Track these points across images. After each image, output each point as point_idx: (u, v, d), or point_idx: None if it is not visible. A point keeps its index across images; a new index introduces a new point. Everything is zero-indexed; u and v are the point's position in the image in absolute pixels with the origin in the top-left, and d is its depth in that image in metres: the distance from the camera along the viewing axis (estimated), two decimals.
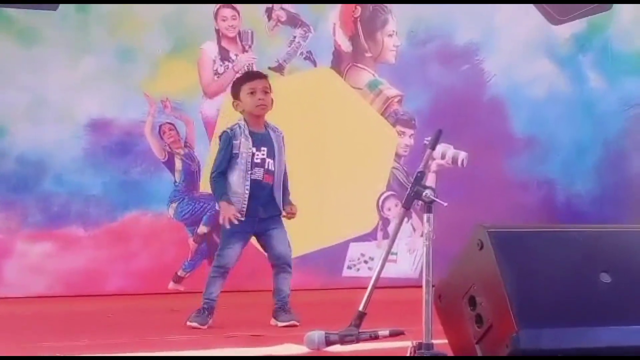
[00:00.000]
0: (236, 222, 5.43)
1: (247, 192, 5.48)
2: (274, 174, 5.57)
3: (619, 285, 3.97)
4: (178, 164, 7.46)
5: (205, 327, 5.43)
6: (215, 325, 5.51)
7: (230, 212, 5.41)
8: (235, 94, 5.63)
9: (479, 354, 3.96)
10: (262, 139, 5.57)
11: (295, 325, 5.46)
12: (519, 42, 8.11)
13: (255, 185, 5.52)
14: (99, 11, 7.35)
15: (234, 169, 5.50)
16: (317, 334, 4.33)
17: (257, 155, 5.53)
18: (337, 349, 4.37)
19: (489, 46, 8.06)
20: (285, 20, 7.70)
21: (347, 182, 7.68)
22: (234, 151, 5.51)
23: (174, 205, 7.39)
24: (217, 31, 7.58)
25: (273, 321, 5.58)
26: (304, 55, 7.72)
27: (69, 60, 7.29)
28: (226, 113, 7.52)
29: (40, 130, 7.24)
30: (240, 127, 5.55)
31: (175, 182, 7.44)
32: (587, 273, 3.98)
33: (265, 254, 5.66)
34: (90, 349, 4.78)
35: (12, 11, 7.20)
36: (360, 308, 4.22)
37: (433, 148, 4.17)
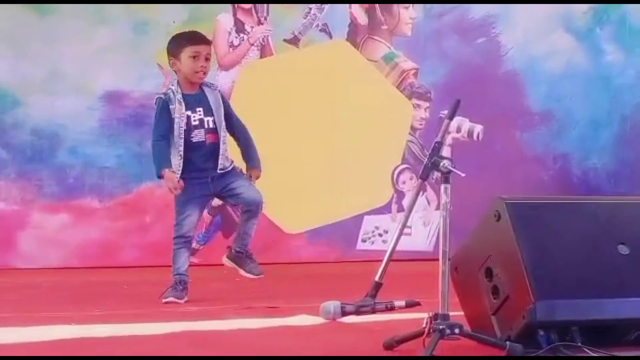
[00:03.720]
0: (178, 192, 5.30)
1: (180, 156, 5.33)
2: (217, 131, 5.40)
3: (637, 257, 3.97)
4: None
5: (182, 301, 5.33)
6: (231, 298, 5.51)
7: (171, 184, 5.29)
8: (175, 53, 5.44)
9: (495, 325, 3.96)
10: (196, 99, 5.41)
11: (261, 277, 5.40)
12: (536, 15, 8.05)
13: (199, 146, 5.37)
14: None
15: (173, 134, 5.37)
16: (333, 304, 4.33)
17: (194, 117, 5.38)
18: (352, 319, 4.37)
19: (505, 19, 8.01)
20: None
21: (362, 155, 7.66)
22: (172, 116, 5.36)
23: None
24: (233, 3, 7.54)
25: (228, 262, 5.47)
26: (319, 28, 7.68)
27: (84, 32, 7.27)
28: (241, 85, 7.52)
29: (55, 102, 7.23)
30: (173, 92, 5.39)
31: None
32: (604, 245, 3.97)
33: (237, 205, 5.56)
34: (106, 318, 4.79)
35: None
36: (377, 278, 4.22)
37: (451, 118, 4.14)
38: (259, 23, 7.57)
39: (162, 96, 5.43)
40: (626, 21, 8.20)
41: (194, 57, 5.40)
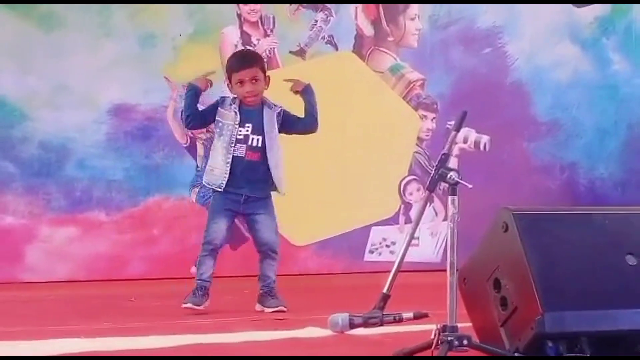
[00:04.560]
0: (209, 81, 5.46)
1: (227, 166, 5.42)
2: (260, 151, 5.46)
3: None
4: (200, 149, 7.45)
5: (201, 307, 5.38)
6: (239, 309, 5.51)
7: (202, 77, 5.48)
8: (229, 77, 5.57)
9: (503, 336, 3.95)
10: (250, 115, 5.48)
11: (283, 311, 5.43)
12: (542, 25, 8.06)
13: (238, 161, 5.44)
14: None
15: (217, 139, 5.47)
16: (341, 317, 4.32)
17: (241, 131, 5.45)
18: (360, 332, 4.37)
19: (511, 29, 8.01)
20: (307, 5, 7.67)
21: (369, 167, 7.66)
22: (217, 118, 5.46)
23: (196, 189, 7.39)
24: (239, 15, 7.57)
25: (258, 306, 5.53)
26: (325, 40, 7.70)
27: (90, 46, 7.29)
28: None
29: (62, 115, 7.25)
30: (233, 100, 5.50)
31: (197, 166, 7.43)
32: (612, 255, 3.96)
33: (251, 238, 5.62)
34: (114, 332, 4.78)
35: None
36: (384, 290, 4.21)
37: (458, 130, 4.14)
38: (265, 35, 7.59)
39: (219, 98, 5.55)
40: (632, 31, 8.20)
41: (240, 83, 5.49)
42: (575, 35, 8.14)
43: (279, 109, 5.58)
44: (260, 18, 7.59)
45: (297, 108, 5.67)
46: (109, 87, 7.32)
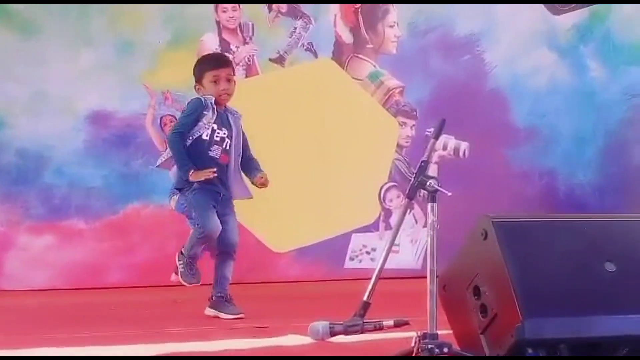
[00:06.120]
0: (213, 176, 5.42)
1: (213, 166, 5.46)
2: (230, 155, 5.54)
3: (624, 274, 3.97)
4: None
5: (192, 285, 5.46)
6: (217, 318, 5.49)
7: (204, 174, 5.40)
8: (198, 79, 5.57)
9: (484, 344, 3.95)
10: (223, 120, 5.54)
11: (242, 318, 5.42)
12: (520, 32, 8.08)
13: (213, 163, 5.49)
14: (99, 4, 7.33)
15: (197, 140, 5.47)
16: (322, 325, 4.30)
17: (218, 133, 5.51)
18: (341, 340, 4.36)
19: (490, 37, 8.04)
20: (286, 12, 7.67)
21: (348, 174, 7.67)
22: (199, 121, 5.47)
23: (176, 197, 7.34)
24: (218, 23, 7.56)
25: (211, 311, 5.52)
26: (304, 47, 7.70)
27: (69, 53, 7.27)
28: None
29: (41, 122, 7.22)
30: (211, 101, 5.51)
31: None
32: (591, 262, 3.97)
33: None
34: (93, 340, 4.77)
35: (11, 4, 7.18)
36: (365, 298, 4.20)
37: (437, 138, 4.15)
38: (244, 42, 7.59)
39: (202, 99, 5.51)
40: (609, 38, 8.25)
41: (215, 81, 5.50)
42: (552, 42, 8.17)
43: (239, 116, 5.65)
44: (239, 25, 7.59)
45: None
46: (87, 94, 7.30)
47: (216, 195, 5.53)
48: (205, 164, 5.47)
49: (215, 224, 5.47)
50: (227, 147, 5.54)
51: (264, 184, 5.58)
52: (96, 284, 7.18)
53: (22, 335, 4.99)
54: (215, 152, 5.51)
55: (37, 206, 7.22)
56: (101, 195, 7.30)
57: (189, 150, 5.49)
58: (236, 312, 5.49)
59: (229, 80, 5.55)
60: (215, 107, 5.52)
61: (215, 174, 5.44)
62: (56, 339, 4.79)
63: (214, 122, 5.50)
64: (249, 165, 5.65)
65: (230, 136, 5.55)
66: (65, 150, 7.26)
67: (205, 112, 5.48)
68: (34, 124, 7.21)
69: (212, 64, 5.63)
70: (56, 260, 7.20)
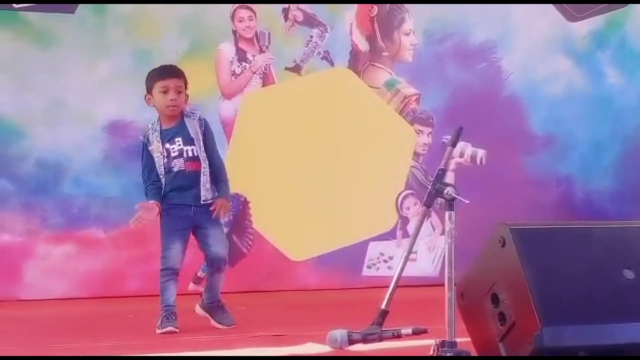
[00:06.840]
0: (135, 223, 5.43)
1: (160, 188, 5.43)
2: (199, 159, 5.45)
3: None
4: None
5: (178, 330, 5.33)
6: (236, 327, 5.51)
7: (144, 213, 5.41)
8: (149, 89, 5.54)
9: (502, 352, 3.95)
10: (175, 131, 5.47)
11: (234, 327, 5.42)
12: (536, 39, 8.08)
13: (180, 175, 5.43)
14: (116, 13, 7.37)
15: (155, 169, 5.45)
16: (340, 333, 4.32)
17: (173, 148, 5.45)
18: (360, 348, 4.37)
19: (506, 44, 8.03)
20: (302, 21, 7.69)
21: (365, 182, 7.67)
22: (153, 157, 5.46)
23: None
24: (234, 32, 7.58)
25: (199, 310, 5.51)
26: (321, 55, 7.71)
27: (86, 63, 7.31)
28: (244, 113, 7.54)
29: (59, 132, 7.26)
30: (151, 131, 5.49)
31: None
32: (610, 270, 3.97)
33: (201, 250, 5.57)
34: (112, 349, 4.78)
35: (29, 14, 7.22)
36: (383, 306, 4.22)
37: (454, 145, 4.16)
38: (261, 51, 7.61)
39: (143, 139, 5.52)
40: (626, 44, 8.23)
41: (164, 92, 5.47)
42: (569, 49, 8.16)
43: (198, 114, 5.60)
44: (256, 34, 7.61)
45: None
46: (105, 104, 7.33)
47: (187, 210, 5.45)
48: (180, 180, 5.42)
49: (175, 257, 5.40)
50: (193, 154, 5.45)
51: (222, 211, 5.44)
52: (114, 293, 7.20)
53: (40, 345, 5.01)
54: (178, 165, 5.44)
55: (56, 216, 7.25)
56: (119, 205, 7.31)
57: (162, 180, 5.45)
58: (227, 323, 5.46)
59: (179, 92, 5.48)
60: (160, 126, 5.47)
61: (143, 220, 5.40)
62: (75, 348, 4.80)
63: (166, 143, 5.44)
64: (215, 177, 5.50)
65: (190, 141, 5.45)
66: (84, 159, 7.29)
67: (150, 147, 5.45)
68: (52, 134, 7.25)
69: (163, 74, 5.56)
70: (75, 270, 7.23)
